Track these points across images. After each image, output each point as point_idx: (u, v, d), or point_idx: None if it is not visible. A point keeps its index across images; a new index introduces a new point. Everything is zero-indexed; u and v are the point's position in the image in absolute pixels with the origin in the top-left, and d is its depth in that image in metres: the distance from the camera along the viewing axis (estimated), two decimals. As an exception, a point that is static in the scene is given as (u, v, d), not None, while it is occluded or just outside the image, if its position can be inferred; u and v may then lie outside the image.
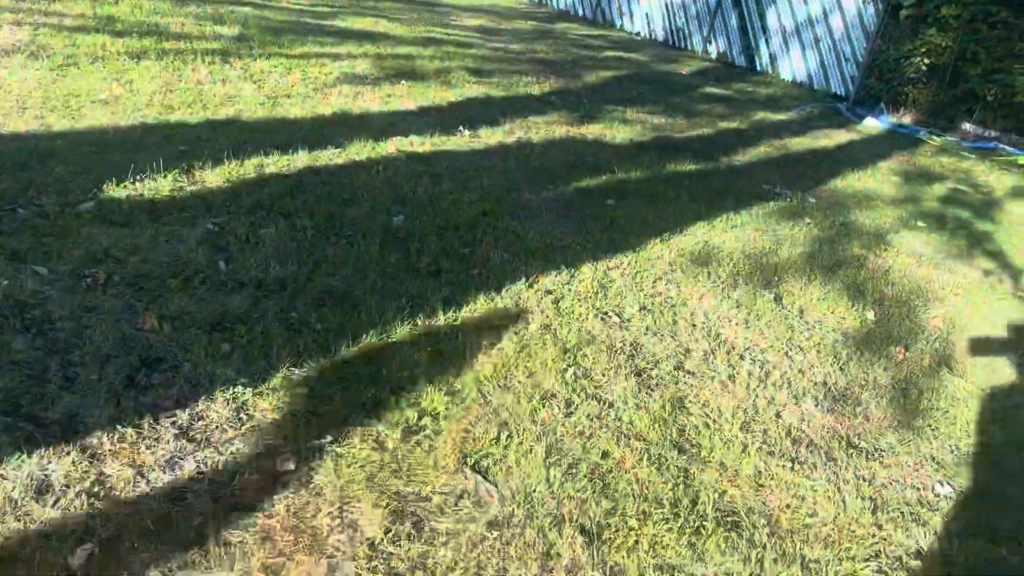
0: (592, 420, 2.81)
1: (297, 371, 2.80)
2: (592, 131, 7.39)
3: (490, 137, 6.55)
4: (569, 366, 3.13)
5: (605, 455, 2.63)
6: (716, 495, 2.54)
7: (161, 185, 4.18)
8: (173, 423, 2.44)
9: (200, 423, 2.47)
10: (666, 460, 2.66)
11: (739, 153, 7.81)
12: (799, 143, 8.90)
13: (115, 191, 4.01)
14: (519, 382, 2.95)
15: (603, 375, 3.12)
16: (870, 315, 4.31)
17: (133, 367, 2.65)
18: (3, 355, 2.59)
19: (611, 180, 5.81)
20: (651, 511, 2.40)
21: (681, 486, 2.55)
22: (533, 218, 4.71)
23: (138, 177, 4.19)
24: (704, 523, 2.39)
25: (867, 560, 2.42)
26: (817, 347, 3.77)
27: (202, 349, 2.80)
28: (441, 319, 3.31)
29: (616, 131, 7.54)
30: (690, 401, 3.06)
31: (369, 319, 3.18)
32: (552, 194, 5.26)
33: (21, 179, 3.94)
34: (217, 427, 2.46)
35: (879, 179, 7.82)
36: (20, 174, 3.99)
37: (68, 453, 2.23)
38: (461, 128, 6.56)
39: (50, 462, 2.18)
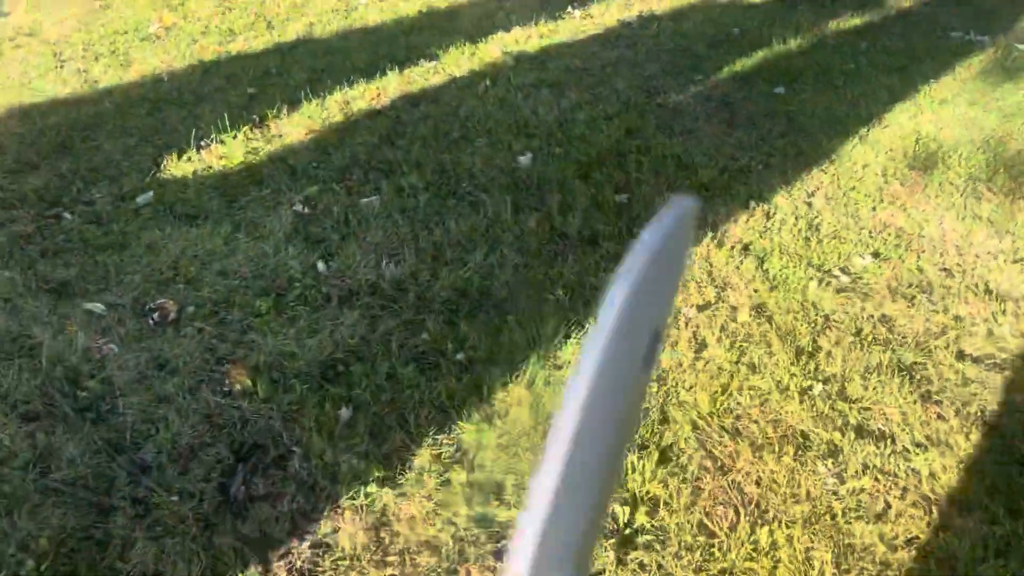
0: (878, 479, 1.92)
1: (446, 440, 2.00)
2: (723, -13, 6.09)
3: (604, 15, 5.40)
4: (811, 378, 2.22)
5: (925, 559, 1.75)
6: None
7: (231, 149, 3.36)
8: (290, 570, 1.69)
9: (328, 561, 1.72)
10: None
11: (903, -10, 6.35)
12: (971, -34, 7.27)
13: (177, 167, 3.22)
14: (752, 419, 2.08)
15: (863, 385, 2.20)
16: None
17: (224, 467, 1.91)
18: (56, 466, 1.89)
19: (769, 57, 4.63)
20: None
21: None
22: (691, 131, 3.68)
23: (202, 142, 3.39)
24: None
25: None
26: None
27: (313, 420, 2.03)
28: (618, 318, 2.42)
29: (751, -16, 6.20)
30: (1004, 420, 2.12)
31: (524, 336, 2.33)
32: (703, 88, 4.17)
33: (64, 167, 3.19)
34: (351, 565, 1.71)
35: (1089, 3, 6.24)
36: (62, 160, 3.25)
37: (149, 656, 1.52)
38: (569, 8, 5.43)
39: None
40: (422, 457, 1.95)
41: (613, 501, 1.83)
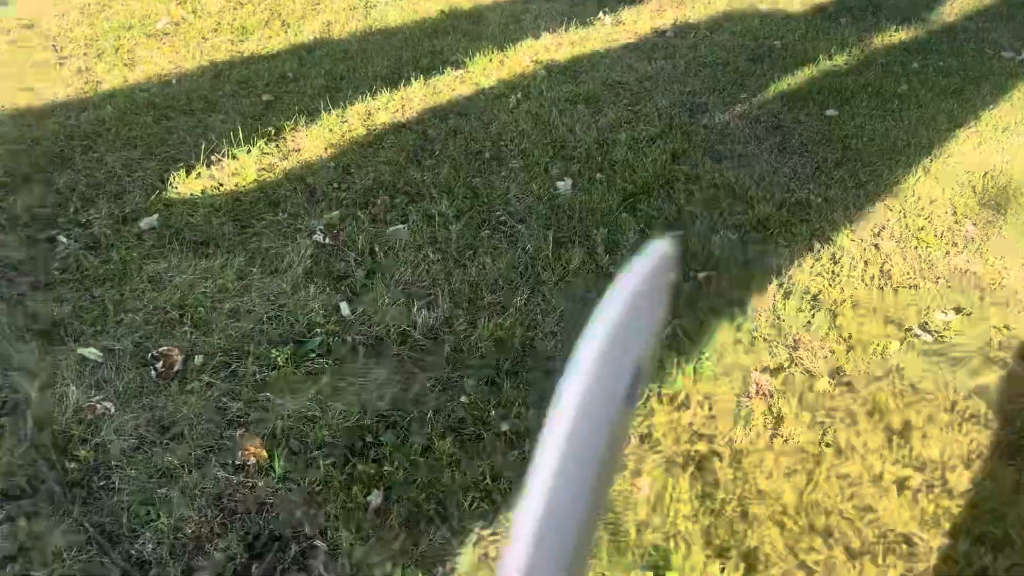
0: (999, 604, 1.65)
1: (492, 536, 1.73)
2: (760, -4, 5.80)
3: (637, 22, 5.11)
4: (907, 466, 1.95)
5: None
6: None
7: (244, 165, 3.07)
8: None
9: None
10: None
11: (945, 4, 6.06)
12: (1014, -21, 6.98)
13: (185, 184, 2.93)
14: (845, 517, 1.80)
15: (969, 478, 1.92)
16: None
17: (237, 565, 1.63)
18: (40, 560, 1.61)
19: (816, 75, 4.35)
20: None
21: None
22: (741, 156, 3.40)
23: (213, 157, 3.10)
24: None
25: None
26: None
27: (339, 506, 1.75)
28: (680, 386, 2.15)
29: (789, -8, 5.91)
30: (1124, 520, 1.85)
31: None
32: (749, 108, 3.88)
33: (61, 182, 2.90)
34: None
35: None
36: (60, 173, 2.96)
37: None
38: (600, 14, 5.14)
39: None
40: (467, 558, 1.68)
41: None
